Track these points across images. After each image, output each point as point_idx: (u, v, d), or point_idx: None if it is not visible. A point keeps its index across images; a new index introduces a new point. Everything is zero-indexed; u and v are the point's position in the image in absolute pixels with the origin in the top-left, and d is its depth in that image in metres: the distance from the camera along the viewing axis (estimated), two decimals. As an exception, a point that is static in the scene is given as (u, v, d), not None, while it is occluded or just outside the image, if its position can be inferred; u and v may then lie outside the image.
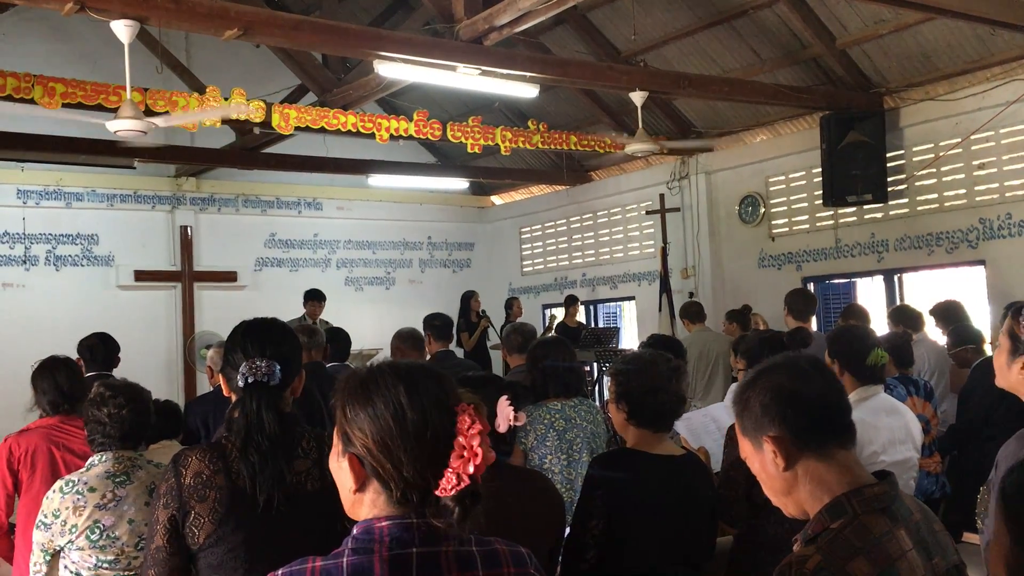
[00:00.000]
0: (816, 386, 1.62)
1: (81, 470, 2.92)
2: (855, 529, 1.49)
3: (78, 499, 2.79)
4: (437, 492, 1.34)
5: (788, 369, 1.64)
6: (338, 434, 1.42)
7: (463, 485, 1.33)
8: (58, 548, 2.81)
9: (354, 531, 1.38)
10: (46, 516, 2.79)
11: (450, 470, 1.33)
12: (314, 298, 9.56)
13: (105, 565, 2.79)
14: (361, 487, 1.39)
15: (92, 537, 2.77)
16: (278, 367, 2.15)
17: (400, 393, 1.37)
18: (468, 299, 10.42)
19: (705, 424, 4.27)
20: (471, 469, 1.33)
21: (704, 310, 7.81)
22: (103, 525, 2.79)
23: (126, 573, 2.82)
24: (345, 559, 1.33)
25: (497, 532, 1.46)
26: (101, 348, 4.83)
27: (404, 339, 5.29)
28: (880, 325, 6.65)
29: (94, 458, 2.93)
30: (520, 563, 1.44)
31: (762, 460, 1.62)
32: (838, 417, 1.62)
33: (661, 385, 2.79)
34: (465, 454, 1.34)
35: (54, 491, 2.83)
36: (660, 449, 2.82)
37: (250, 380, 2.12)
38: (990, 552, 1.84)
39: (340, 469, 1.42)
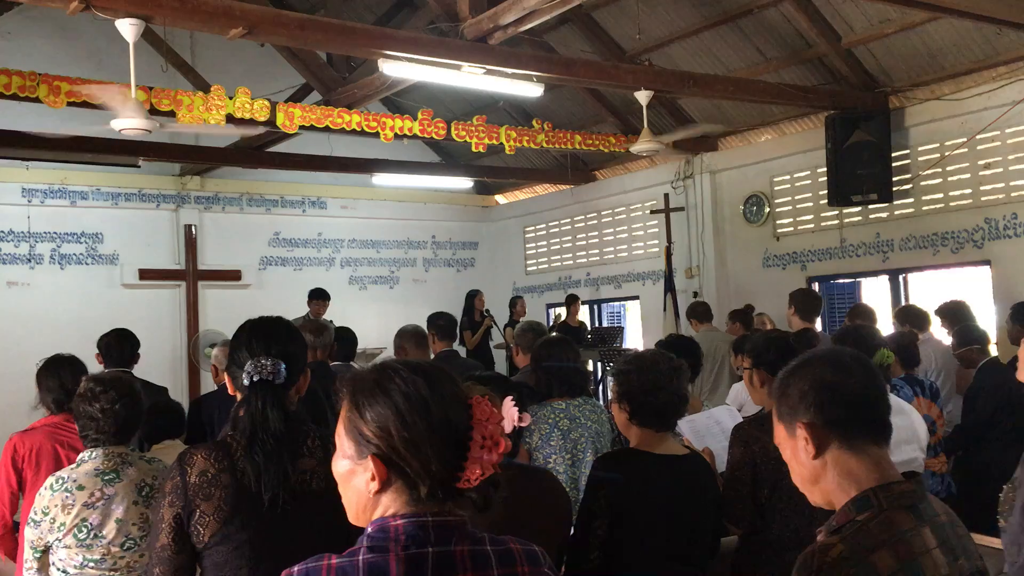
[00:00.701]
0: (856, 380, 1.63)
1: (71, 467, 2.89)
2: (880, 523, 1.51)
3: (67, 497, 2.77)
4: (460, 485, 1.34)
5: (831, 361, 1.66)
6: (348, 437, 1.38)
7: (488, 475, 1.34)
8: (47, 545, 2.79)
9: (368, 529, 1.36)
10: (36, 513, 2.78)
11: (473, 460, 1.33)
12: (318, 297, 9.52)
13: (91, 564, 2.78)
14: (383, 488, 1.35)
15: (79, 536, 2.75)
16: (283, 366, 2.14)
17: (421, 387, 1.35)
18: (472, 298, 10.43)
19: (708, 426, 4.26)
20: (495, 457, 1.34)
21: (711, 310, 7.79)
22: (90, 524, 2.77)
23: (111, 572, 2.80)
24: (361, 557, 1.32)
25: (506, 530, 1.45)
26: (116, 345, 4.82)
27: (408, 337, 5.17)
28: (886, 325, 6.64)
29: (84, 454, 2.90)
30: (534, 562, 1.43)
31: (793, 447, 1.64)
32: (874, 413, 1.63)
33: (662, 384, 2.79)
34: (487, 443, 1.34)
35: (45, 488, 2.81)
36: (663, 449, 2.82)
37: (255, 379, 2.12)
38: None
39: (355, 473, 1.38)
